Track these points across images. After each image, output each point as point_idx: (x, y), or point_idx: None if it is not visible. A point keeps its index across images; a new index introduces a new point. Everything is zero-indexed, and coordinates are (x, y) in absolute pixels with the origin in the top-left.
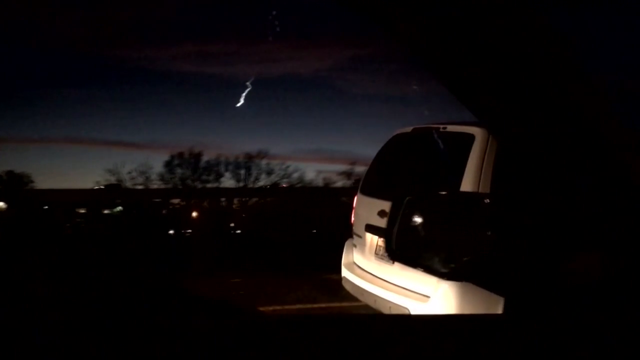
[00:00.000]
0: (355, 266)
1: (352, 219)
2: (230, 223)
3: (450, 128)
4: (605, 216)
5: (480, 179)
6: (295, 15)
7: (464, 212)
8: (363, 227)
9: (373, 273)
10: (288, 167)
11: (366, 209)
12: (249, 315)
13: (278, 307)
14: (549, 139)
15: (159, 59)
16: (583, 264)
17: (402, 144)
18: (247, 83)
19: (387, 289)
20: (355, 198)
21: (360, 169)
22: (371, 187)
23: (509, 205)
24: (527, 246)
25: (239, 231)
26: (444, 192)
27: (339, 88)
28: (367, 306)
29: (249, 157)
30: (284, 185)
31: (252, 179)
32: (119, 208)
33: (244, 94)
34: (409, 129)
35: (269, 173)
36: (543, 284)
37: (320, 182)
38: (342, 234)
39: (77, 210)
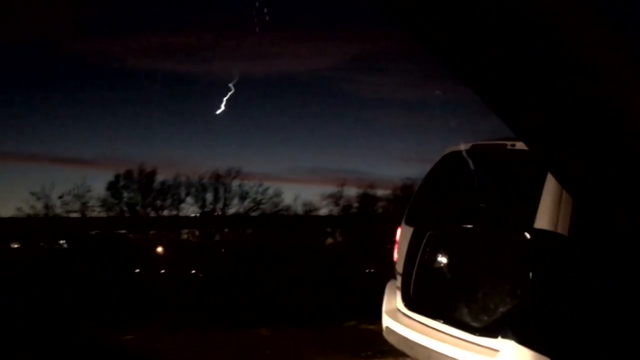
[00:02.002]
0: (400, 314)
1: (395, 255)
2: (186, 260)
3: (521, 145)
4: None
5: (559, 213)
6: (288, 1)
7: (501, 252)
8: None
9: (424, 322)
10: (266, 189)
11: None
12: None
13: None
14: (611, 170)
15: (112, 54)
16: None
17: (458, 165)
18: (230, 85)
19: (444, 341)
20: (399, 230)
21: (352, 192)
22: (419, 216)
23: (567, 246)
24: (581, 297)
25: (193, 271)
26: (472, 226)
27: (343, 91)
28: None
29: (217, 177)
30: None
31: (220, 204)
32: (63, 242)
33: (225, 98)
34: (467, 146)
35: (243, 197)
36: (601, 344)
37: (299, 209)
38: (318, 273)
39: (10, 244)
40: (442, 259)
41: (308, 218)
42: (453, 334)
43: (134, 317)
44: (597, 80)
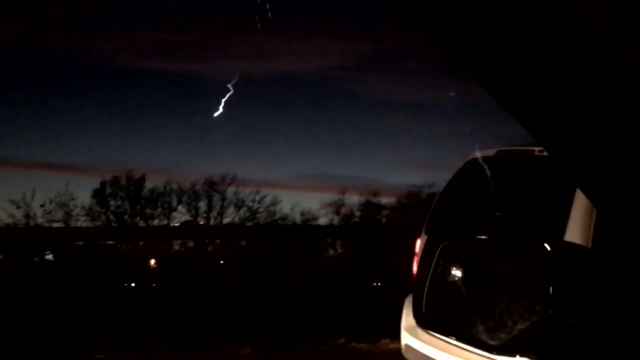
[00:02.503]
0: (420, 330)
1: (414, 268)
2: (174, 273)
3: None
4: None
5: (591, 224)
6: None
7: (519, 265)
8: None
9: (447, 340)
10: (264, 197)
11: None
12: None
13: None
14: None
15: (104, 52)
16: None
17: (481, 172)
18: (229, 85)
19: None
20: (418, 241)
21: (354, 200)
22: (440, 227)
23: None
24: (605, 314)
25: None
26: (486, 238)
27: (348, 92)
28: None
29: (211, 184)
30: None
31: (214, 213)
32: (49, 255)
33: (223, 100)
34: (490, 152)
35: (239, 206)
36: None
37: (298, 218)
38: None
39: None
40: (456, 272)
41: (306, 228)
42: (479, 352)
43: (113, 334)
44: (624, 82)
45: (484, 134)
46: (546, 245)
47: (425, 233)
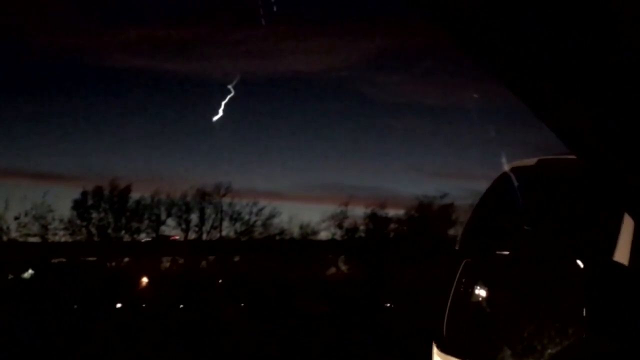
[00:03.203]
0: (453, 356)
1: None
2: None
3: None
4: None
5: (632, 240)
6: None
7: (549, 284)
8: None
9: None
10: (262, 209)
11: None
12: None
13: None
14: None
15: (87, 50)
16: None
17: (521, 183)
18: (229, 87)
19: None
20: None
21: (359, 212)
22: (470, 242)
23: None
24: None
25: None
26: (514, 253)
27: (360, 95)
28: None
29: (203, 196)
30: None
31: (207, 227)
32: (26, 273)
33: (223, 102)
34: (531, 162)
35: (235, 219)
36: None
37: (296, 233)
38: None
39: None
40: (480, 292)
41: (305, 243)
42: None
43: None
44: None
45: (511, 140)
46: (579, 262)
47: (457, 249)
